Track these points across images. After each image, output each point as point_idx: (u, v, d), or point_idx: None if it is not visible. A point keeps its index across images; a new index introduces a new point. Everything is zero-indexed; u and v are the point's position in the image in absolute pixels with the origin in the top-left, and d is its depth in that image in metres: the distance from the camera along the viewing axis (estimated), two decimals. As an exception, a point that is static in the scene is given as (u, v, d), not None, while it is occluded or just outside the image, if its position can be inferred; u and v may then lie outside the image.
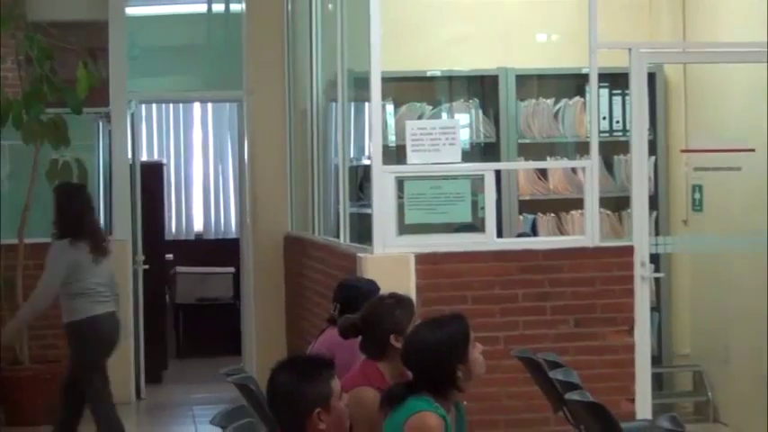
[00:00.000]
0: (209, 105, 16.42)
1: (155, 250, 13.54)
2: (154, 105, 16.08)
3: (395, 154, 9.84)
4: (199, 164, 16.83)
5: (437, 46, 11.22)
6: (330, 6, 10.99)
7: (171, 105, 16.36)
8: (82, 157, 11.79)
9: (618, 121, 10.54)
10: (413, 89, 11.06)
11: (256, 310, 13.06)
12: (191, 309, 15.61)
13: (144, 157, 14.93)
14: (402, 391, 5.36)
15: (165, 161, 16.10)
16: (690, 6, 11.21)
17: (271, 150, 12.93)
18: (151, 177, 13.90)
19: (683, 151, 11.00)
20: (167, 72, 13.95)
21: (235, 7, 13.70)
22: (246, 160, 13.37)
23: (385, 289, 6.96)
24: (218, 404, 7.81)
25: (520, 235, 10.69)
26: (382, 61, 9.23)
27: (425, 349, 5.39)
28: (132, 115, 13.05)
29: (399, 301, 6.28)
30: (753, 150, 10.02)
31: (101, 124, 12.97)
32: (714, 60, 10.68)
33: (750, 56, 10.00)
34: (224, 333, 14.86)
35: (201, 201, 16.80)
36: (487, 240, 9.21)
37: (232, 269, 15.21)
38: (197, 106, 16.56)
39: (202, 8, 14.14)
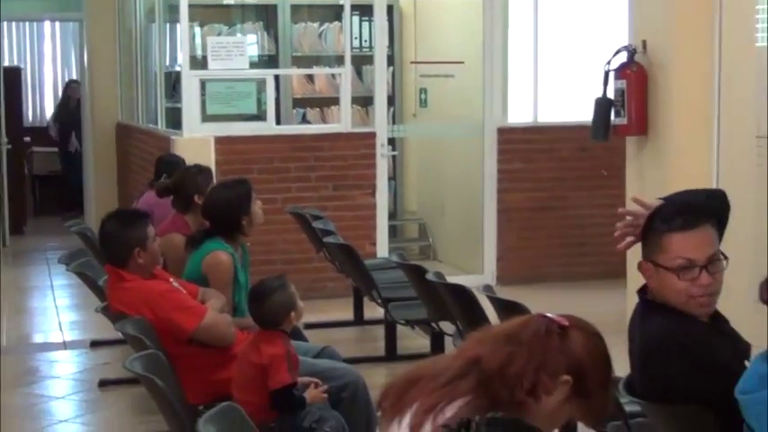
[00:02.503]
0: (57, 24, 15.86)
1: (16, 134, 13.11)
2: (14, 23, 15.43)
3: (200, 62, 9.70)
4: (50, 69, 16.31)
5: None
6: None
7: (27, 23, 15.74)
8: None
9: (366, 41, 10.53)
10: (213, 14, 10.86)
11: (95, 180, 12.85)
12: (44, 179, 15.26)
13: (6, 63, 14.47)
14: (201, 235, 5.41)
15: (23, 66, 15.58)
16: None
17: (104, 59, 12.61)
18: (12, 79, 13.45)
19: (413, 63, 11.10)
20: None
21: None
22: (86, 66, 13.01)
23: (191, 162, 6.95)
24: (66, 249, 7.71)
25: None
26: (189, -9, 9.19)
27: (219, 205, 5.45)
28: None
29: (201, 170, 6.31)
30: (462, 62, 10.17)
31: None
32: (436, -4, 10.85)
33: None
34: (70, 197, 14.59)
35: (52, 97, 16.33)
36: (269, 127, 9.22)
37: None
38: (47, 24, 16.00)
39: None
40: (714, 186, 6.93)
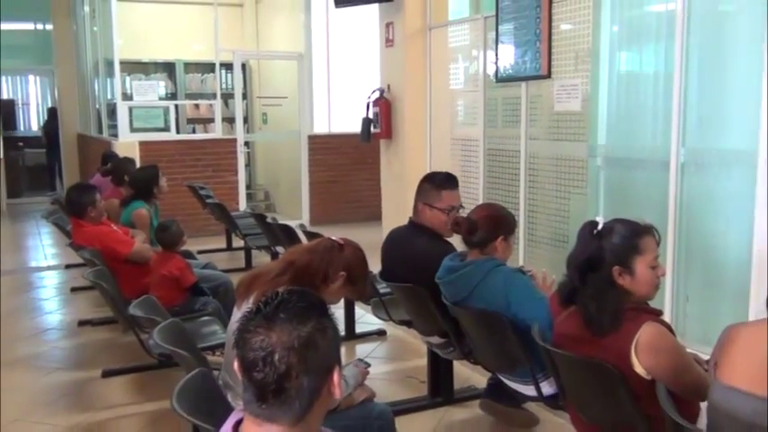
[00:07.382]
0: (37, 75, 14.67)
1: (13, 140, 12.22)
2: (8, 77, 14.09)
3: (128, 96, 9.21)
4: (33, 100, 14.94)
5: (147, 45, 10.51)
6: (95, 29, 10.14)
7: (17, 76, 14.42)
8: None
9: (230, 84, 10.27)
10: (136, 67, 10.35)
11: (66, 167, 12.10)
12: (37, 168, 13.91)
13: (4, 97, 13.34)
14: (130, 199, 5.20)
15: (15, 99, 14.07)
16: (261, 26, 11.04)
17: (69, 96, 11.88)
18: (9, 110, 12.50)
19: (258, 97, 10.92)
20: (10, 56, 12.27)
21: (49, 26, 12.31)
22: (57, 99, 12.21)
23: (123, 156, 6.64)
24: (46, 210, 7.25)
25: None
26: (120, 53, 8.77)
27: (138, 179, 5.25)
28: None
29: (129, 160, 6.09)
30: (287, 97, 10.06)
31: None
32: (271, 58, 10.62)
33: (288, 56, 10.00)
34: (51, 179, 13.54)
35: (36, 117, 14.96)
36: (172, 136, 8.87)
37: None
38: (31, 76, 14.76)
39: (30, 26, 12.58)
40: (426, 169, 7.11)
